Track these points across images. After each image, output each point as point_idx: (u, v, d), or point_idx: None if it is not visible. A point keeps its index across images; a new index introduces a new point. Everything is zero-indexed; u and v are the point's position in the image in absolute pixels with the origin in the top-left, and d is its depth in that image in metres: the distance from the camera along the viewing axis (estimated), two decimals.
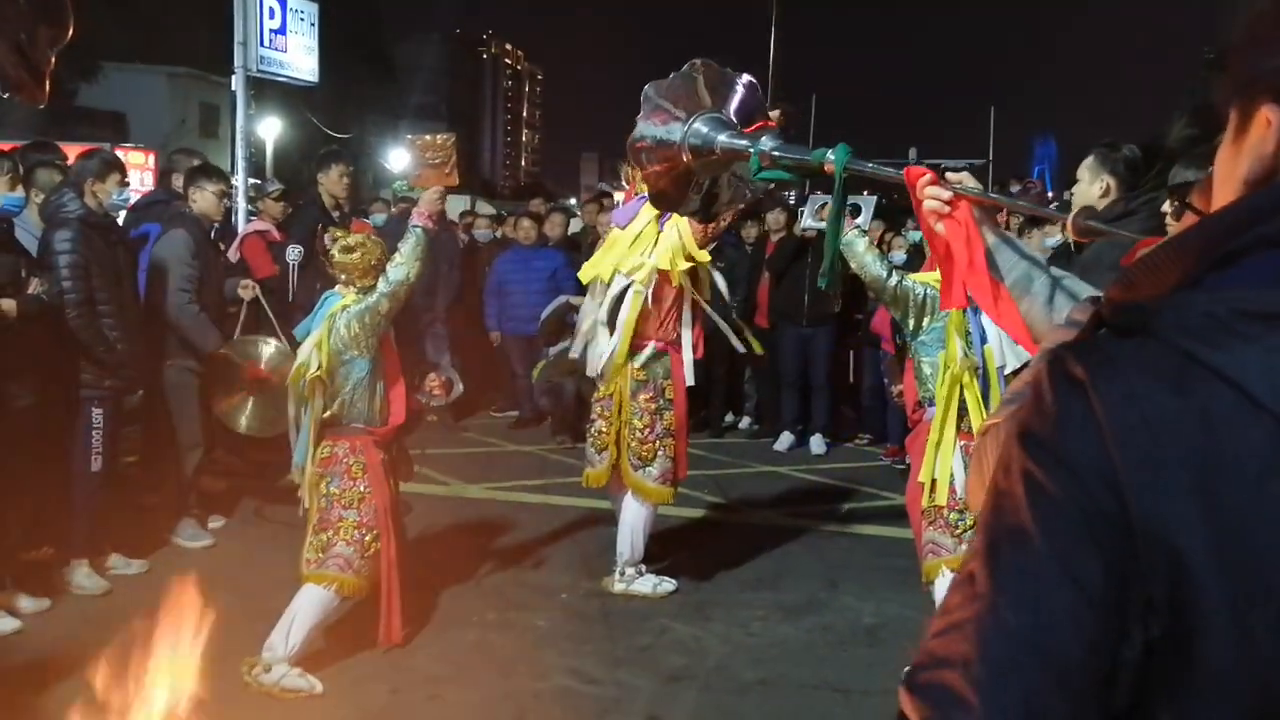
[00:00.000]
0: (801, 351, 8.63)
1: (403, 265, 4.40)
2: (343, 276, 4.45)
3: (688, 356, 5.23)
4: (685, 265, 5.02)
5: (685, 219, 4.90)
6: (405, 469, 4.85)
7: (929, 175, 1.85)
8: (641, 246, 5.09)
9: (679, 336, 5.23)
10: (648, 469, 5.20)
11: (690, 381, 5.30)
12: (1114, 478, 0.77)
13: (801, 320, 8.50)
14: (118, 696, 3.98)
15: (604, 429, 5.28)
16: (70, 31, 2.18)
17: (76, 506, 5.03)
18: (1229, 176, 0.92)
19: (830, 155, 2.09)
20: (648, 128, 2.50)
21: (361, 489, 4.35)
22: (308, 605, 4.20)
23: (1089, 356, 0.82)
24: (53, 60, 2.20)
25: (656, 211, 5.10)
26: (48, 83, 2.24)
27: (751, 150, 2.28)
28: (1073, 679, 0.78)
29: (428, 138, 4.80)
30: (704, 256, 5.04)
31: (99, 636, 4.48)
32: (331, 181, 7.06)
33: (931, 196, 1.83)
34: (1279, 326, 0.76)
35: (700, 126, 2.43)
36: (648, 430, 5.19)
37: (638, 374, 5.19)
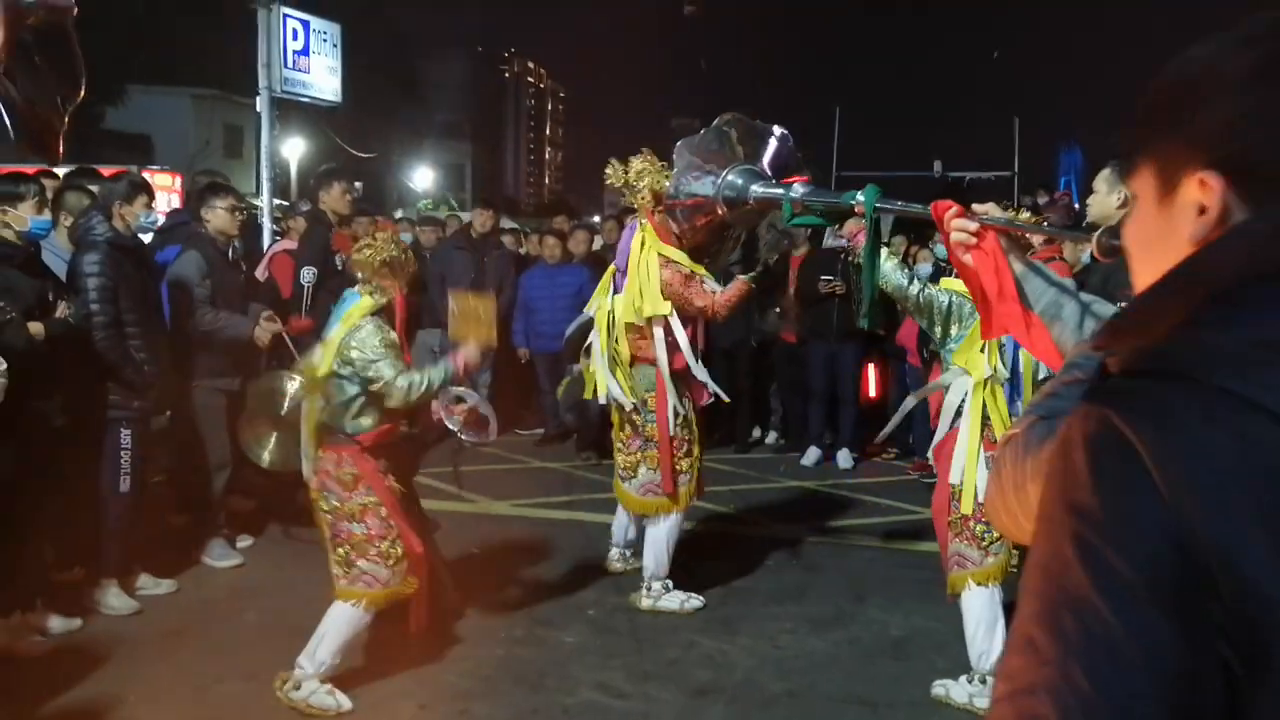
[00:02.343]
0: (829, 366, 8.59)
1: (419, 384, 4.25)
2: (359, 274, 4.37)
3: (665, 367, 5.13)
4: (643, 315, 5.04)
5: (657, 262, 4.90)
6: (410, 464, 4.76)
7: (955, 209, 1.89)
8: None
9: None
10: (632, 481, 5.24)
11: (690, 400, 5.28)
12: (1178, 530, 0.78)
13: (830, 336, 8.46)
14: (147, 715, 4.01)
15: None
16: (82, 91, 2.21)
17: (106, 527, 5.06)
18: (1157, 238, 0.95)
19: (860, 197, 2.16)
20: (682, 184, 2.55)
21: (360, 501, 4.21)
22: (336, 623, 4.18)
23: (1122, 406, 0.83)
24: (66, 120, 2.24)
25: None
26: (61, 143, 2.29)
27: (785, 198, 2.33)
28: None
29: (470, 298, 4.79)
30: (660, 309, 4.99)
31: (128, 656, 4.53)
32: (334, 199, 7.10)
33: (958, 229, 1.85)
34: None
35: (734, 179, 2.48)
36: (630, 440, 5.23)
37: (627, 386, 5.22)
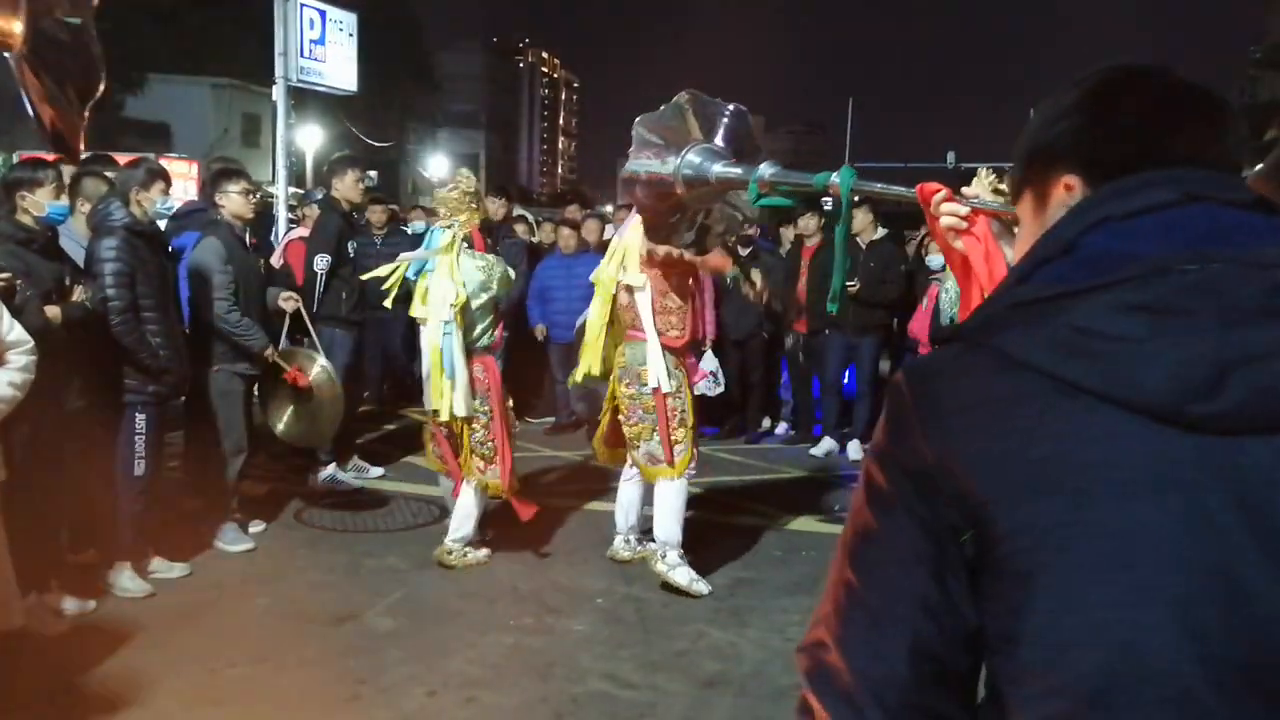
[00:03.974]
0: (846, 358, 8.58)
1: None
2: (442, 210, 5.49)
3: (653, 350, 5.30)
4: (614, 281, 5.40)
5: (636, 240, 5.24)
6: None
7: (944, 192, 1.84)
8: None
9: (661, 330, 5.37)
10: (637, 450, 5.41)
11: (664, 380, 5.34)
12: (918, 442, 1.02)
13: (848, 328, 8.43)
14: (159, 696, 4.05)
15: (604, 407, 5.68)
16: (101, 86, 2.22)
17: (121, 510, 5.10)
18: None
19: (835, 178, 2.08)
20: (640, 162, 2.51)
21: (492, 406, 5.53)
22: (465, 514, 5.60)
23: (910, 369, 1.09)
24: (86, 116, 2.24)
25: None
26: (82, 140, 2.29)
27: (749, 178, 2.27)
28: (905, 614, 1.01)
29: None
30: (636, 281, 5.31)
31: (141, 638, 4.57)
32: (347, 186, 7.11)
33: (948, 213, 1.82)
34: (1031, 308, 1.00)
35: (693, 158, 2.43)
36: (629, 414, 5.38)
37: (620, 362, 5.43)
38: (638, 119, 2.63)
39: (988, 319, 1.03)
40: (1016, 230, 1.27)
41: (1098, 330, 0.95)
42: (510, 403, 5.80)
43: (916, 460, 1.02)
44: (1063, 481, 0.94)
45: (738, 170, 2.36)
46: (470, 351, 5.47)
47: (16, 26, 1.74)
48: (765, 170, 2.26)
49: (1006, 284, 1.07)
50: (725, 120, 2.55)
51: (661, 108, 2.63)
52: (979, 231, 1.80)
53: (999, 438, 0.97)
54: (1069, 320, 0.96)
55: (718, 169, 2.40)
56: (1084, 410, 0.94)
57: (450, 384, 5.41)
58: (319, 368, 6.02)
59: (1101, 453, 0.93)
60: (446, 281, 5.39)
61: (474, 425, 5.54)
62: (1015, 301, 1.02)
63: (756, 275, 5.20)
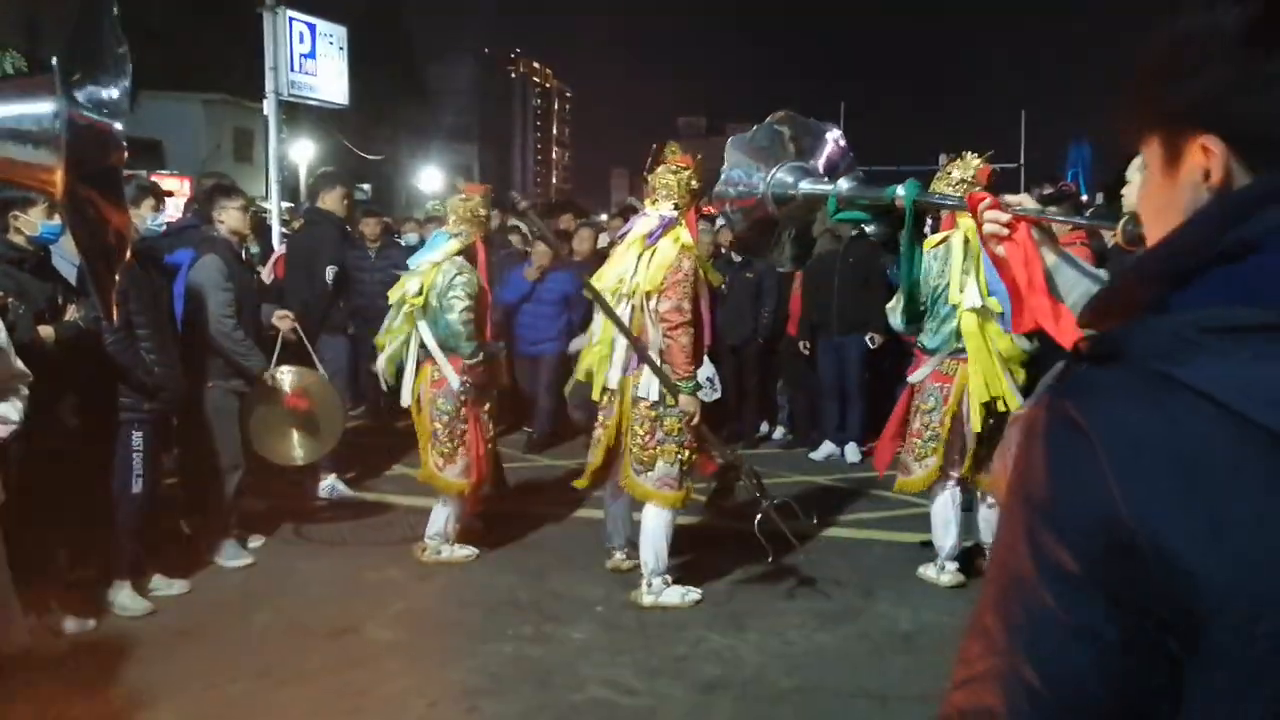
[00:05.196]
0: (838, 360, 8.60)
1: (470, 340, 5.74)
2: (452, 218, 5.88)
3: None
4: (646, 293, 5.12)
5: (688, 239, 5.11)
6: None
7: (989, 200, 1.92)
8: (641, 262, 5.19)
9: None
10: (647, 474, 5.20)
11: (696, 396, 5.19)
12: (1114, 508, 0.79)
13: (833, 330, 8.45)
14: (161, 714, 4.05)
15: (600, 435, 5.37)
16: (131, 233, 2.23)
17: (119, 528, 5.09)
18: (1166, 207, 0.93)
19: (900, 191, 2.24)
20: (731, 180, 2.59)
21: (456, 405, 5.71)
22: (443, 509, 5.80)
23: (1076, 394, 0.84)
24: (117, 277, 2.26)
25: (647, 229, 5.22)
26: (115, 299, 2.31)
27: (831, 194, 2.40)
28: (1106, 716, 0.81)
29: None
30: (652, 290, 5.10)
31: (142, 656, 4.57)
32: (333, 200, 7.32)
33: (990, 220, 1.87)
34: (1244, 338, 0.79)
35: (783, 176, 2.52)
36: (648, 436, 5.19)
37: (638, 381, 5.20)
38: (730, 139, 2.72)
39: (1176, 343, 0.81)
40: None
41: None
42: (487, 406, 5.92)
43: (1108, 525, 0.79)
44: None
45: (823, 186, 2.48)
46: (443, 349, 5.71)
47: (58, 175, 1.73)
48: (844, 185, 2.40)
49: (1159, 279, 0.87)
50: (827, 145, 2.65)
51: (754, 129, 2.70)
52: (1019, 238, 1.87)
53: (1225, 510, 0.77)
54: None
55: (805, 185, 2.51)
56: None
57: (402, 373, 5.86)
58: (290, 374, 6.03)
59: None
60: (415, 280, 5.72)
61: (433, 422, 5.73)
62: (1210, 326, 0.80)
63: None
